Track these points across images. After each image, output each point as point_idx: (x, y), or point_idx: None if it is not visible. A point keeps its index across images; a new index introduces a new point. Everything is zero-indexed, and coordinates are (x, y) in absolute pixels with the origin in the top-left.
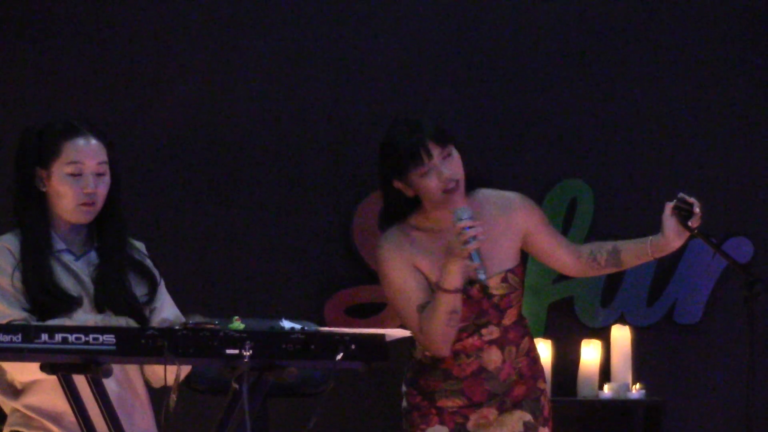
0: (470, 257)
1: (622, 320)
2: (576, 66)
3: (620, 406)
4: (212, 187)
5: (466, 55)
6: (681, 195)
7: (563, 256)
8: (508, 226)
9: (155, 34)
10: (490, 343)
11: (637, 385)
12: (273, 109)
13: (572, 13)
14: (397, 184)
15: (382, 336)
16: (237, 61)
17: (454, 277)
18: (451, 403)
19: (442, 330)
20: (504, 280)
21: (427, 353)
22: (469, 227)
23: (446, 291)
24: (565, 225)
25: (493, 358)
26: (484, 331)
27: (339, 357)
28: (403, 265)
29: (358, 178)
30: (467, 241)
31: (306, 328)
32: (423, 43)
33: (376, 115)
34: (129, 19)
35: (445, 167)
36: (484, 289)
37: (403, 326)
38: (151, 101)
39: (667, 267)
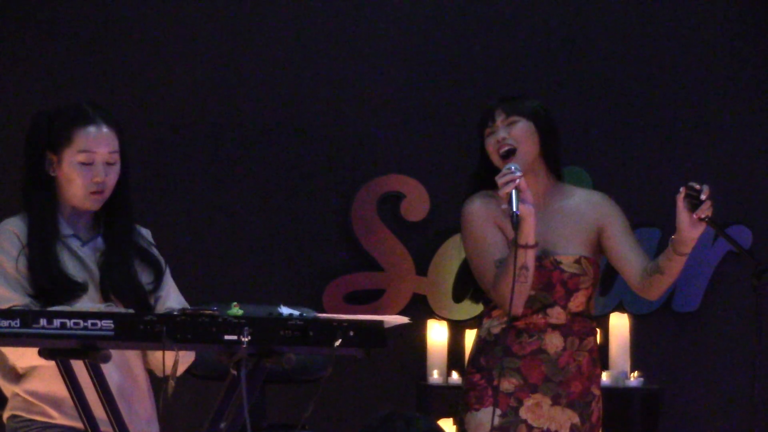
0: (509, 201)
1: (620, 308)
2: (576, 54)
3: (618, 393)
4: (212, 174)
5: (465, 44)
6: (690, 183)
7: (630, 261)
8: (586, 215)
9: (160, 23)
10: (554, 327)
11: (636, 373)
12: (273, 96)
13: (572, 3)
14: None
15: (381, 323)
16: (238, 51)
17: (526, 233)
18: (507, 384)
19: (513, 287)
20: (577, 261)
21: (492, 330)
22: (507, 175)
23: (519, 246)
24: None
25: (555, 342)
26: (549, 311)
27: (337, 343)
28: (486, 220)
29: (357, 165)
30: (506, 183)
31: (304, 314)
32: (421, 33)
33: (375, 103)
34: (133, 9)
35: (503, 130)
36: (513, 218)
37: (397, 316)
38: (153, 89)
39: None
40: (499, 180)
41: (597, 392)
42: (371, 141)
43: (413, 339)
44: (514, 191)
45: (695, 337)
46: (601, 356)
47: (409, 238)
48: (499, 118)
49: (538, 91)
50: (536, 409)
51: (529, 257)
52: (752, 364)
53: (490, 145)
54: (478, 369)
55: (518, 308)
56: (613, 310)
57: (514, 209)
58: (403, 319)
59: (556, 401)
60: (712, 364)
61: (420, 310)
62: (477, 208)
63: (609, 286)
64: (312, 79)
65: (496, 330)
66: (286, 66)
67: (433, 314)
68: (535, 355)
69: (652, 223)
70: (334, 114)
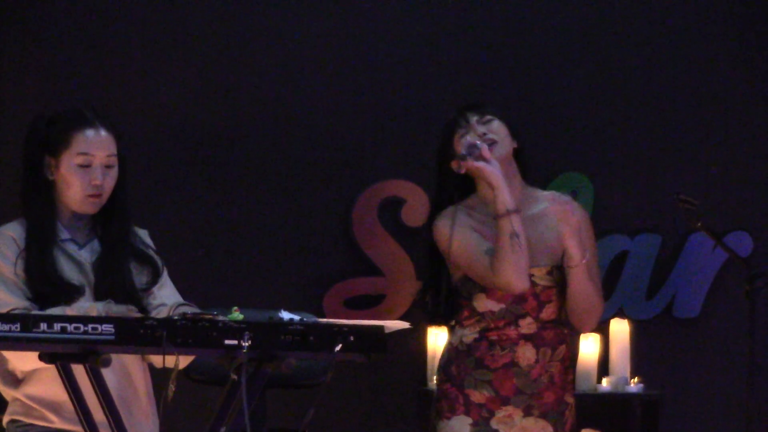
0: (463, 149)
1: (621, 314)
2: (577, 60)
3: (618, 399)
4: (213, 179)
5: (467, 49)
6: (681, 195)
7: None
8: (557, 223)
9: (160, 25)
10: (526, 339)
11: (636, 379)
12: (273, 101)
13: (574, 7)
14: (454, 164)
15: (381, 327)
16: (238, 55)
17: (502, 199)
18: (478, 395)
19: (509, 259)
20: (549, 273)
21: (464, 339)
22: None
23: (500, 215)
24: None
25: (527, 354)
26: (521, 322)
27: (338, 348)
28: (462, 227)
29: (358, 170)
30: (467, 142)
31: (305, 319)
32: (422, 38)
33: (375, 107)
34: (132, 12)
35: (481, 126)
36: (459, 159)
37: (402, 319)
38: (153, 93)
39: (666, 261)
40: (459, 143)
41: (570, 400)
42: (371, 146)
43: (414, 344)
44: (466, 142)
45: (695, 343)
46: (602, 362)
47: (410, 243)
48: (474, 119)
49: (540, 96)
50: (508, 420)
51: (515, 222)
52: (750, 368)
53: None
54: (449, 377)
55: (523, 281)
56: (614, 316)
57: (464, 153)
58: (404, 324)
59: (528, 412)
60: (712, 370)
61: (420, 315)
62: (448, 223)
63: (609, 292)
64: (312, 83)
65: (468, 339)
66: (287, 71)
67: None
68: (508, 368)
69: (652, 230)
70: (334, 119)
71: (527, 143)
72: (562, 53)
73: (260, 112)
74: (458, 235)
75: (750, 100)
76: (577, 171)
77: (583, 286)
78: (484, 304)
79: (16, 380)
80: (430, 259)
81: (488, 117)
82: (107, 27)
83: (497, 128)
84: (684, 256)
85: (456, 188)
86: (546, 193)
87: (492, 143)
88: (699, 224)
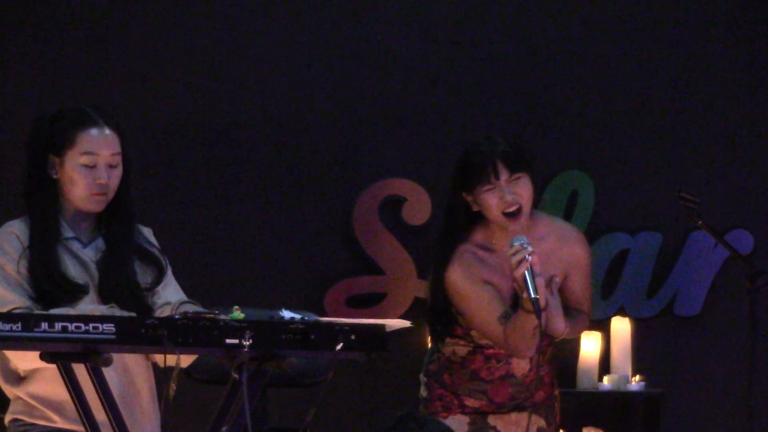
0: (524, 283)
1: (622, 312)
2: (577, 58)
3: (620, 397)
4: (214, 177)
5: (467, 47)
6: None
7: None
8: (561, 258)
9: (160, 24)
10: None
11: (637, 377)
12: (274, 100)
13: (573, 6)
14: (467, 197)
15: (383, 326)
16: (239, 53)
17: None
18: (472, 402)
19: (527, 342)
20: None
21: (457, 351)
22: (518, 252)
23: (529, 312)
24: (565, 216)
25: (522, 365)
26: None
27: (339, 347)
28: (473, 283)
29: (359, 169)
30: (519, 263)
31: (306, 318)
32: (424, 37)
33: (375, 105)
34: (134, 9)
35: (509, 190)
36: (535, 304)
37: (400, 319)
38: (153, 91)
39: (667, 259)
40: (512, 259)
41: (557, 392)
42: (373, 144)
43: (415, 343)
44: (528, 274)
45: (697, 341)
46: (603, 360)
47: (411, 242)
48: (504, 174)
49: (540, 93)
50: (503, 417)
51: (543, 319)
52: (751, 366)
53: (492, 200)
54: (442, 385)
55: (532, 353)
56: (615, 314)
57: (533, 295)
58: (405, 323)
59: (520, 410)
60: (713, 368)
61: (421, 313)
62: (460, 275)
63: (610, 291)
64: (313, 82)
65: (462, 352)
66: (287, 68)
67: None
68: (503, 379)
69: (653, 228)
70: (335, 117)
71: (528, 142)
72: (563, 51)
73: (262, 111)
74: (473, 294)
75: (751, 98)
76: (577, 169)
77: (568, 336)
78: (480, 337)
79: (18, 378)
80: (434, 290)
81: (517, 174)
82: (109, 25)
83: (524, 187)
84: (685, 254)
85: (466, 221)
86: (554, 222)
87: (518, 211)
88: (700, 222)
